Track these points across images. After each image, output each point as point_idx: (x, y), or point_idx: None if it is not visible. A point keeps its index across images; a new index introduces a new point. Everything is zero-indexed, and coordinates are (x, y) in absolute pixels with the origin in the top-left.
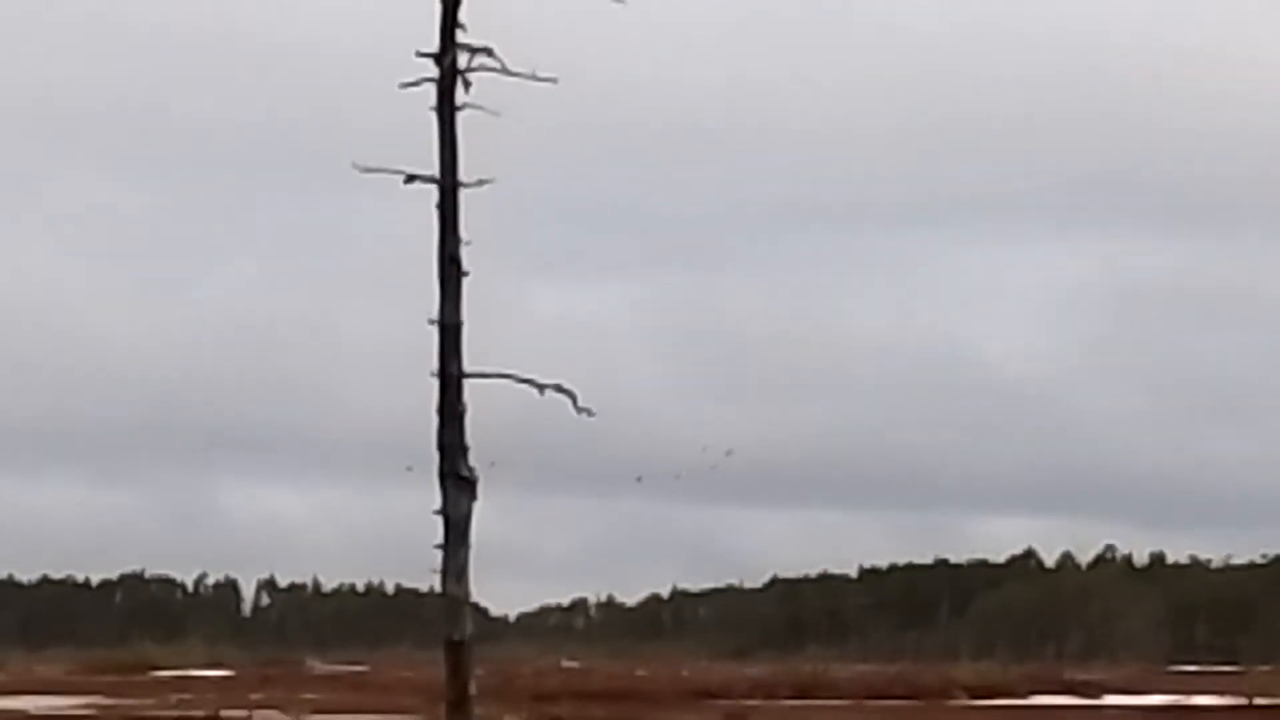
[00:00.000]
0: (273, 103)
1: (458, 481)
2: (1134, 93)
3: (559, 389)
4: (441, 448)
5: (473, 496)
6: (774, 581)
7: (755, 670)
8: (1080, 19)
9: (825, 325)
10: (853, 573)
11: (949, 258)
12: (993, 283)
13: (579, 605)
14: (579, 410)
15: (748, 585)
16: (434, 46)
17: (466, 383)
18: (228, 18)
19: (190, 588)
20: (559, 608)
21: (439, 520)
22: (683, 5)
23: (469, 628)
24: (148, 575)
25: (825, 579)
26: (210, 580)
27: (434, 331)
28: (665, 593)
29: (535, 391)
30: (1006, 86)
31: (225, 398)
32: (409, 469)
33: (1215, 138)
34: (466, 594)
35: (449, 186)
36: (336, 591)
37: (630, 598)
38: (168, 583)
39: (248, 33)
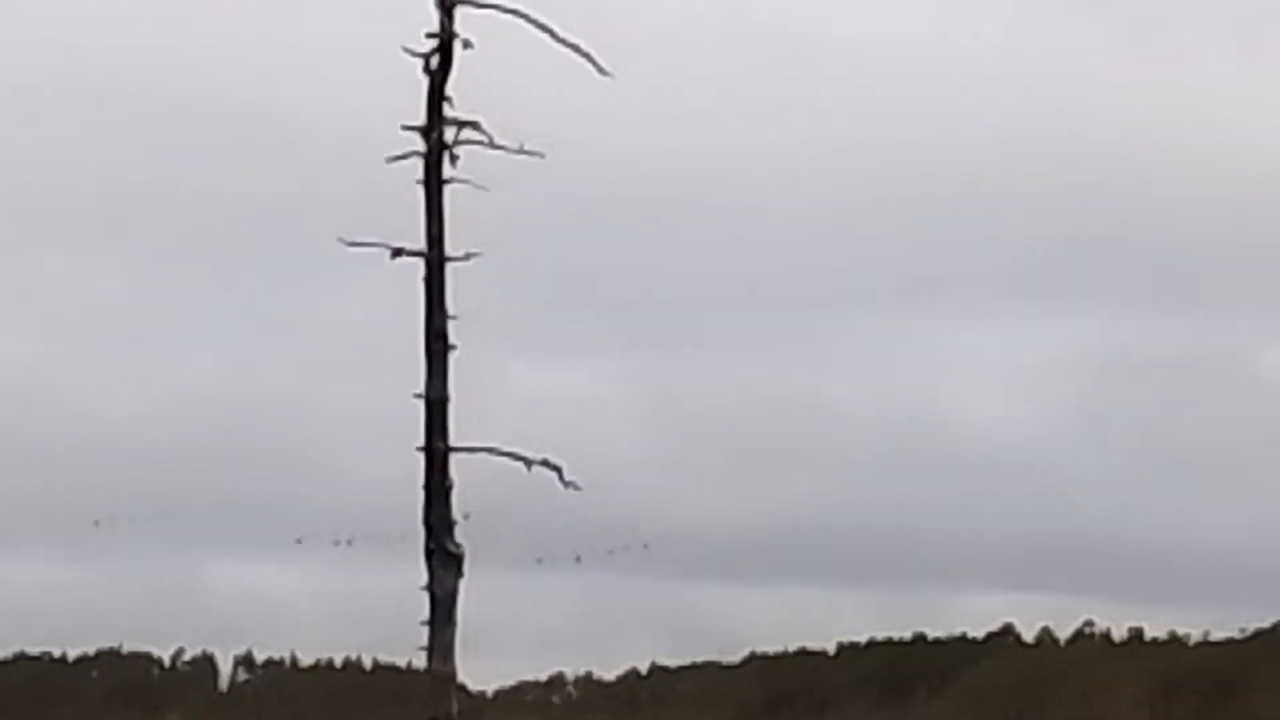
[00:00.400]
0: (257, 176)
1: (444, 557)
2: (1106, 161)
3: (546, 464)
4: (428, 523)
5: (459, 573)
6: (752, 657)
7: None
8: (1052, 86)
9: (803, 401)
10: (831, 649)
11: (924, 332)
12: (968, 356)
13: (556, 681)
14: (565, 484)
15: (726, 661)
16: (421, 120)
17: (450, 457)
18: (210, 89)
19: (167, 663)
20: (537, 683)
21: (422, 596)
22: (670, 78)
23: (455, 706)
24: (124, 651)
25: (803, 655)
26: (187, 655)
27: (417, 406)
28: (644, 668)
29: (522, 466)
30: (981, 157)
31: (204, 473)
32: (401, 539)
33: (1188, 205)
34: (453, 672)
35: (436, 261)
36: (315, 667)
37: (609, 673)
38: (144, 658)
39: (232, 104)
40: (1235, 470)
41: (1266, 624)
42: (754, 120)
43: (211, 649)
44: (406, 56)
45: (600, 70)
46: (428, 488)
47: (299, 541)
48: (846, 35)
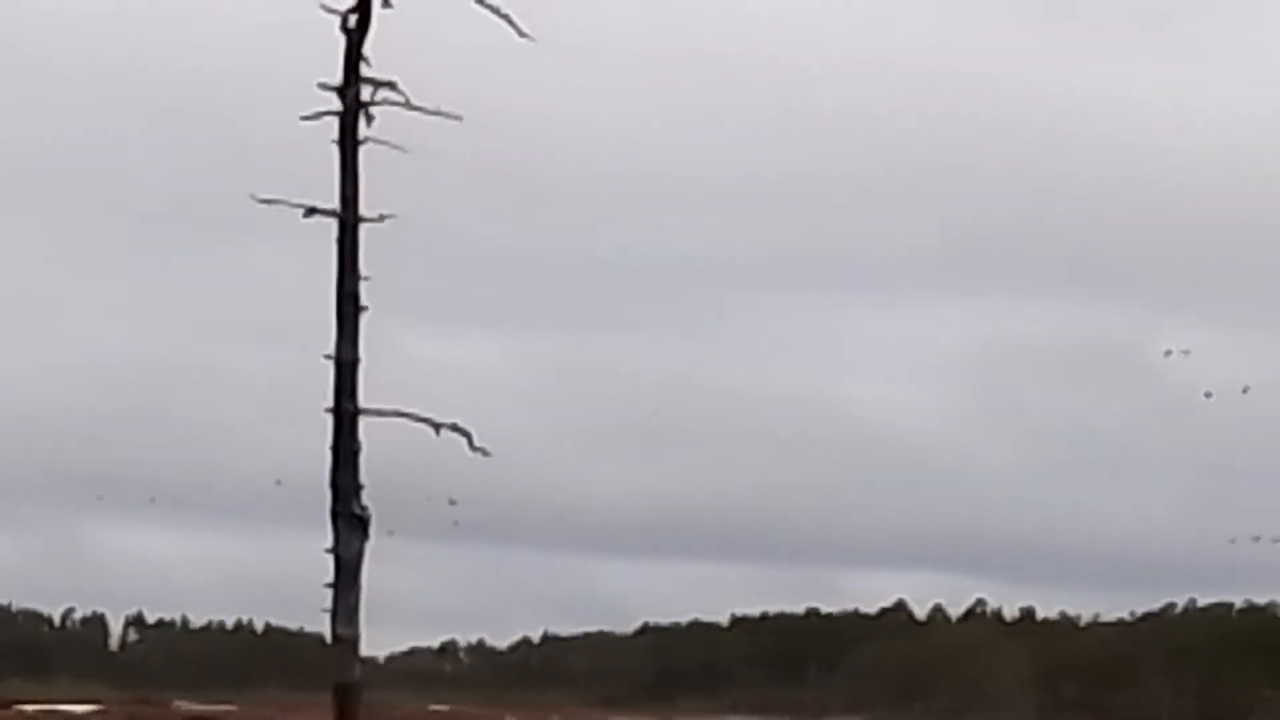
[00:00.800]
0: (167, 133)
1: (350, 520)
2: (1013, 150)
3: (456, 428)
4: (335, 486)
5: (365, 536)
6: (645, 629)
7: None
8: (965, 78)
9: (704, 380)
10: (724, 621)
11: (826, 314)
12: (869, 339)
13: (449, 648)
14: (474, 449)
15: (619, 632)
16: (337, 79)
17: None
18: (121, 47)
19: (58, 622)
20: (429, 651)
21: (323, 559)
22: (591, 44)
23: (358, 671)
24: (14, 609)
25: (697, 627)
26: (78, 615)
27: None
28: (536, 637)
29: (432, 431)
30: (890, 141)
31: (96, 436)
32: (278, 482)
33: (1093, 194)
34: (357, 637)
35: (349, 222)
36: (206, 629)
37: (501, 642)
38: (35, 617)
39: (143, 61)
40: (1130, 458)
41: (1156, 607)
42: (671, 93)
43: (102, 609)
44: (324, 14)
45: (520, 33)
46: (335, 450)
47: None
48: (771, 12)
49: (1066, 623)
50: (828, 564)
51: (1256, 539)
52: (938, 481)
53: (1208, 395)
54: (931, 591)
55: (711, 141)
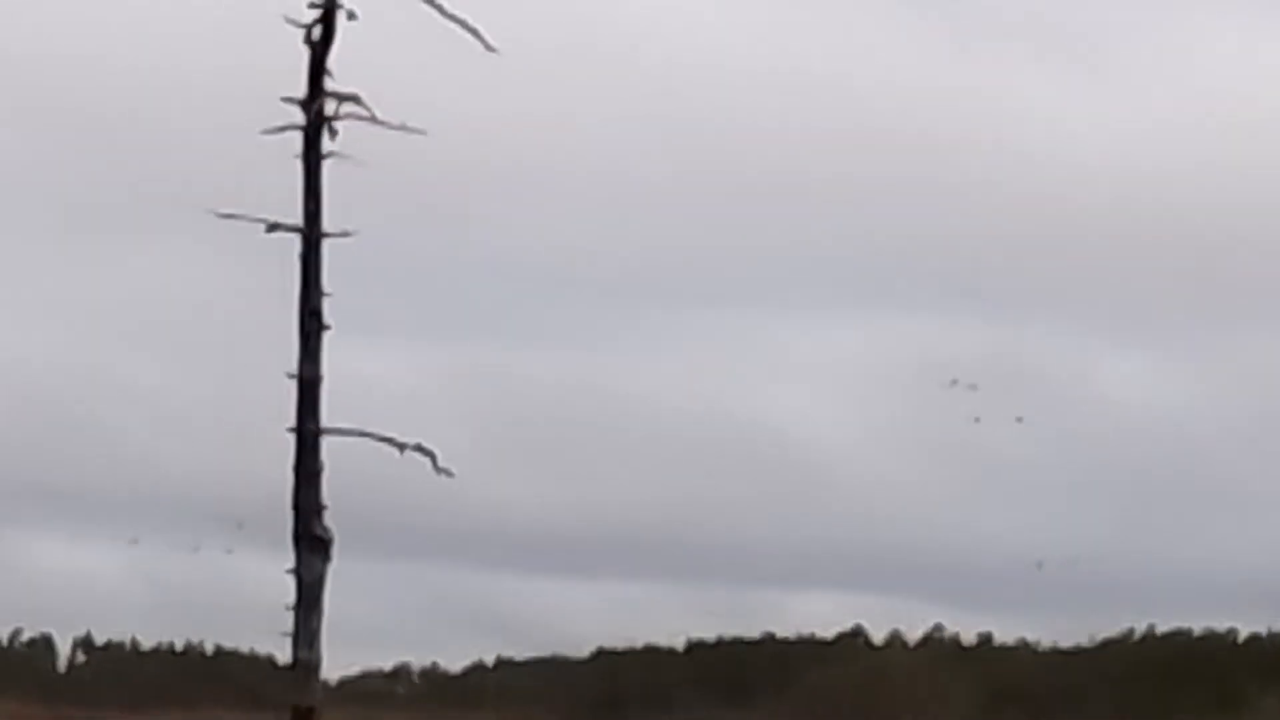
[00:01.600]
0: (129, 145)
1: (313, 542)
2: (938, 168)
3: (420, 449)
4: (296, 507)
5: (326, 558)
6: (598, 653)
7: None
8: (890, 87)
9: (657, 397)
10: (679, 645)
11: (776, 330)
12: (819, 356)
13: (401, 671)
14: (439, 470)
15: (572, 656)
16: (301, 92)
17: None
18: (82, 55)
19: (4, 643)
20: (380, 673)
21: (277, 582)
22: (558, 59)
23: (319, 693)
24: None
25: (650, 651)
26: (25, 637)
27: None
28: (489, 661)
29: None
30: (805, 152)
31: (47, 452)
32: (240, 526)
33: (1015, 217)
34: (318, 659)
35: (312, 237)
36: (155, 651)
37: (454, 665)
38: None
39: (105, 69)
40: (1085, 481)
41: (1114, 633)
42: (612, 105)
43: (49, 630)
44: (288, 26)
45: (487, 46)
46: (297, 471)
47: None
48: (689, 22)
49: (1024, 648)
50: (783, 588)
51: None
52: (897, 505)
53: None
54: (888, 616)
55: (673, 153)
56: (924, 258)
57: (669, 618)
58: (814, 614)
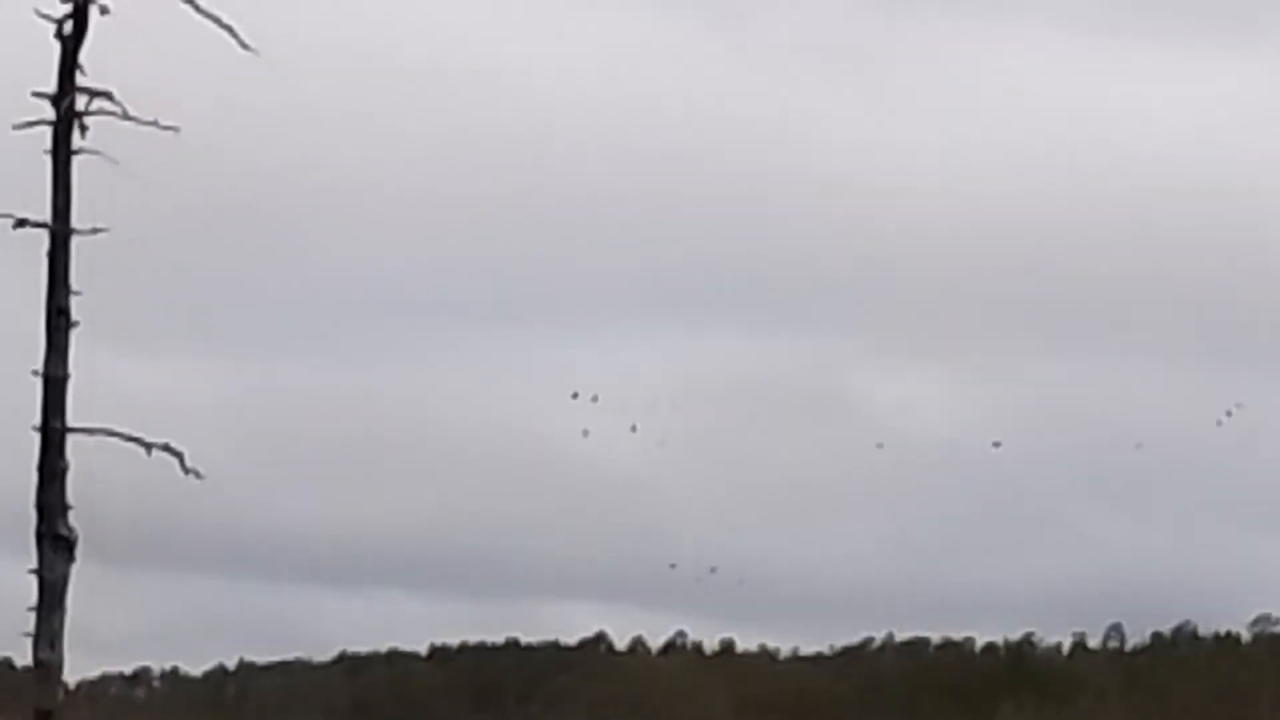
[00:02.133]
0: None
1: (55, 541)
2: (733, 187)
3: (168, 449)
4: (40, 506)
5: (70, 558)
6: (342, 657)
7: None
8: (668, 98)
9: (406, 410)
10: (423, 651)
11: (531, 347)
12: (573, 371)
13: (142, 675)
14: (186, 471)
15: (315, 660)
16: (51, 87)
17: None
18: None
19: None
20: (121, 677)
21: (22, 582)
22: (319, 58)
23: (60, 696)
24: None
25: (394, 656)
26: None
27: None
28: (231, 665)
29: (142, 451)
30: (612, 170)
31: None
32: None
33: (808, 238)
34: (60, 661)
35: (60, 234)
36: None
37: (195, 669)
38: None
39: None
40: (831, 495)
41: (854, 641)
42: (387, 113)
43: None
44: (39, 20)
45: (243, 45)
46: (42, 469)
47: None
48: (489, 35)
49: (765, 656)
50: (529, 595)
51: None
52: (641, 515)
53: (879, 446)
54: (632, 624)
55: (446, 165)
56: (714, 276)
57: (416, 624)
58: (560, 621)
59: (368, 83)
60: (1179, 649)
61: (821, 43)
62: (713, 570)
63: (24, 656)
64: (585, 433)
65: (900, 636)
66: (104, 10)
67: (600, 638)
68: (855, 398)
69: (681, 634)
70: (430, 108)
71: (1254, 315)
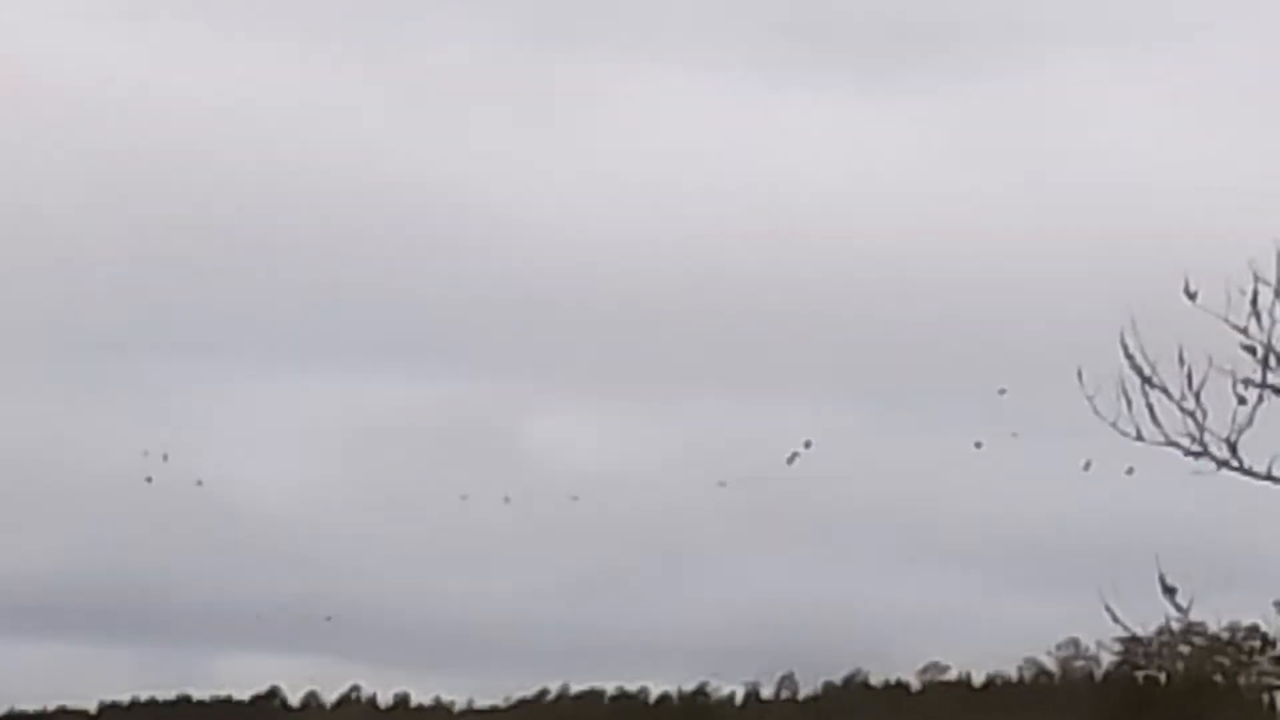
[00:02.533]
0: None
1: None
2: (385, 227)
3: None
4: None
5: None
6: (10, 714)
7: None
8: (341, 141)
9: (64, 453)
10: (93, 707)
11: (192, 388)
12: (238, 415)
13: None
14: None
15: None
16: None
17: None
18: None
19: None
20: None
21: None
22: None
23: None
24: None
25: (64, 714)
26: None
27: None
28: None
29: None
30: (269, 211)
31: None
32: None
33: (460, 274)
34: None
35: None
36: None
37: None
38: None
39: None
40: (505, 541)
41: (530, 693)
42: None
43: None
44: None
45: None
46: None
47: None
48: (137, 67)
49: (442, 708)
50: (199, 647)
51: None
52: (310, 564)
53: (575, 498)
54: (306, 677)
55: (81, 196)
56: (371, 316)
57: (84, 678)
58: (233, 675)
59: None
60: (850, 697)
61: (481, 85)
62: (329, 619)
63: None
64: (199, 482)
65: (576, 687)
66: None
67: (274, 693)
68: (519, 439)
69: (356, 687)
70: (74, 136)
71: (895, 358)
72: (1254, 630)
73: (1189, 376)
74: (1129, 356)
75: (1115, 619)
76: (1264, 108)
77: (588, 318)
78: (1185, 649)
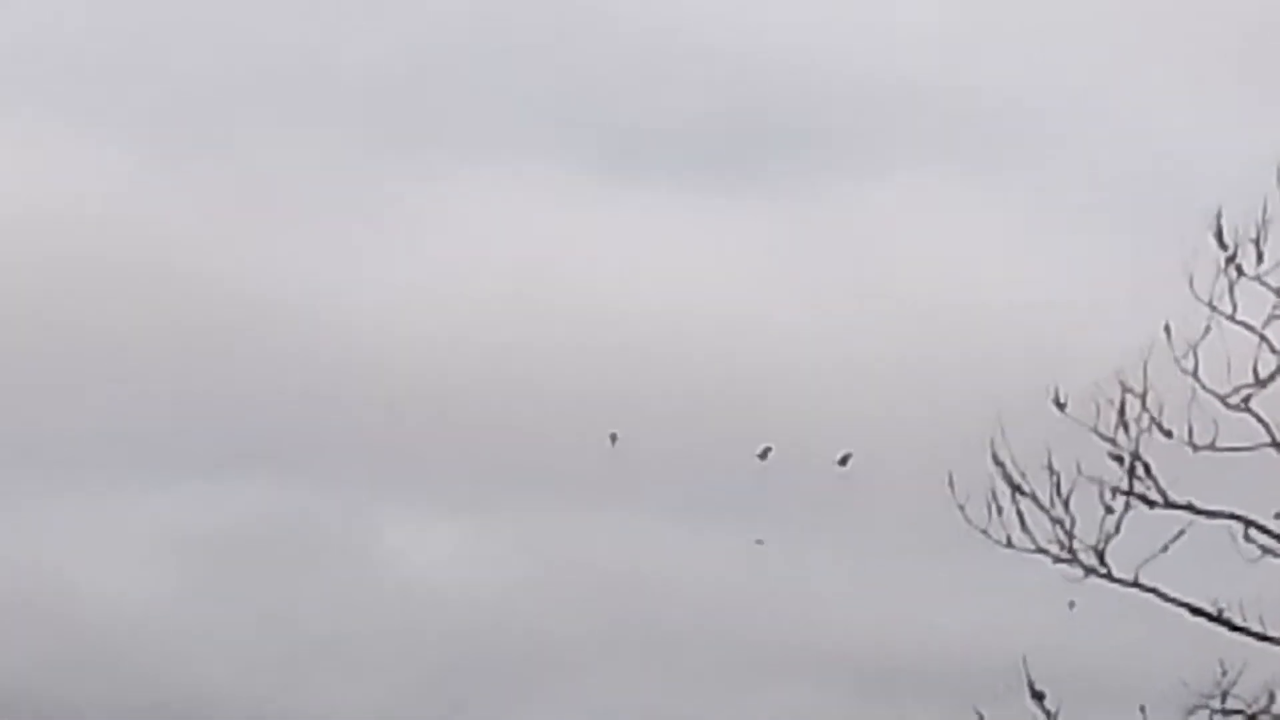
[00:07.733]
0: None
1: None
2: (224, 320)
3: None
4: None
5: None
6: None
7: None
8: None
9: None
10: None
11: (56, 495)
12: (89, 524)
13: None
14: None
15: None
16: None
17: None
18: None
19: None
20: None
21: None
22: None
23: None
24: None
25: None
26: None
27: None
28: None
29: None
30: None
31: None
32: None
33: (302, 375)
34: None
35: None
36: None
37: None
38: None
39: None
40: (356, 651)
41: None
42: None
43: None
44: None
45: None
46: None
47: None
48: None
49: None
50: None
51: None
52: (165, 670)
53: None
54: None
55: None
56: (203, 420)
57: None
58: None
59: None
60: None
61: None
62: None
63: None
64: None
65: None
66: None
67: None
68: (372, 546)
69: None
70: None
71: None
72: None
73: (1058, 485)
74: (999, 464)
75: None
76: (1123, 222)
77: (433, 425)
78: None
